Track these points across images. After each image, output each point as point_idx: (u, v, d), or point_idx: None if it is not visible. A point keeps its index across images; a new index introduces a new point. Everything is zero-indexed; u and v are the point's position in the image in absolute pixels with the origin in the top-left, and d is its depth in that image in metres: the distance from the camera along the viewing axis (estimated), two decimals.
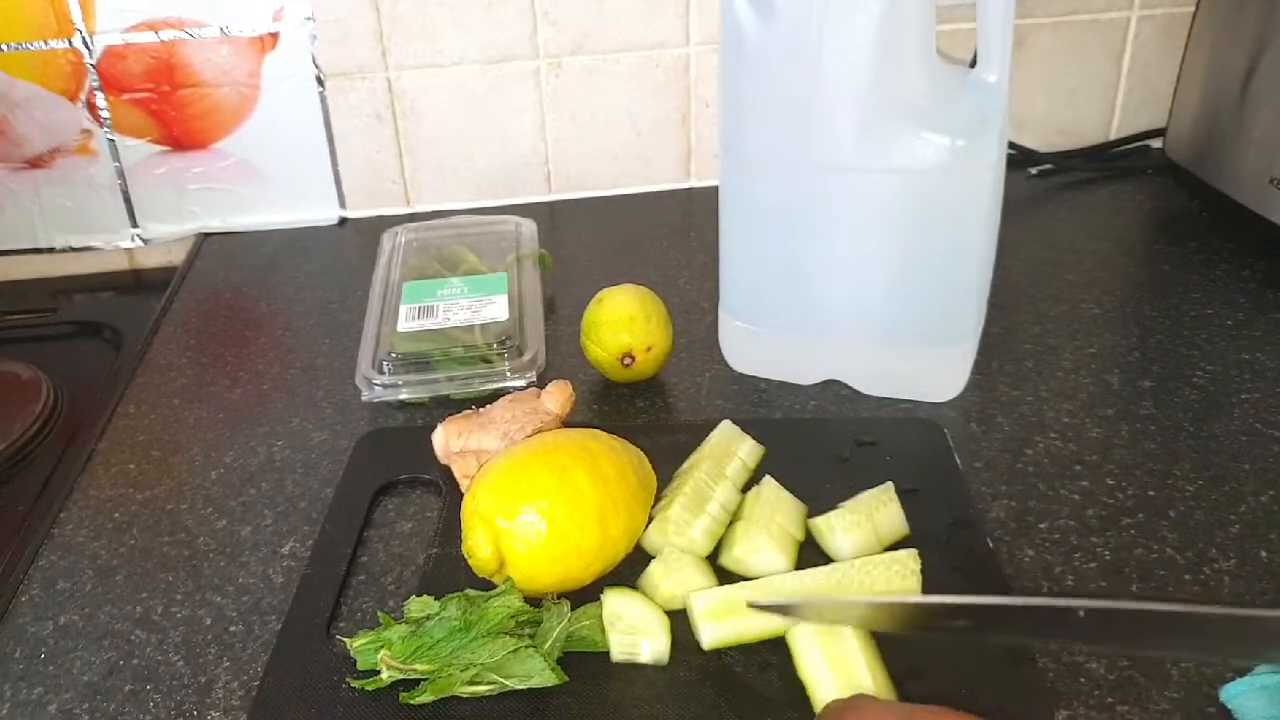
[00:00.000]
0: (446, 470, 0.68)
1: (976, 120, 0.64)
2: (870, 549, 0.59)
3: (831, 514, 0.61)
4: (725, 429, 0.68)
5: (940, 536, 0.61)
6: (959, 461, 0.67)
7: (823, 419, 0.73)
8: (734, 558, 0.59)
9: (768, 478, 0.63)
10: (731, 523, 0.62)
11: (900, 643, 0.53)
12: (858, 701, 0.45)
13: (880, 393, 0.73)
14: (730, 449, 0.66)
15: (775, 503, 0.61)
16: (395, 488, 0.69)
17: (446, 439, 0.67)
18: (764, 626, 0.55)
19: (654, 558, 0.59)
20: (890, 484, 0.62)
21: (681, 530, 0.60)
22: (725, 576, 0.59)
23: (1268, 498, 0.64)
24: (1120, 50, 1.01)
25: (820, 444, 0.69)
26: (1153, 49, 1.01)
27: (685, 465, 0.65)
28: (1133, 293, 0.85)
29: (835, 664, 0.52)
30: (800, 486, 0.63)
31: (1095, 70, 1.02)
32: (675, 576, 0.57)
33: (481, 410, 0.68)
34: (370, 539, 0.65)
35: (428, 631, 0.53)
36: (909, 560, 0.57)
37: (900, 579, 0.56)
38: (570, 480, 0.57)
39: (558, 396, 0.68)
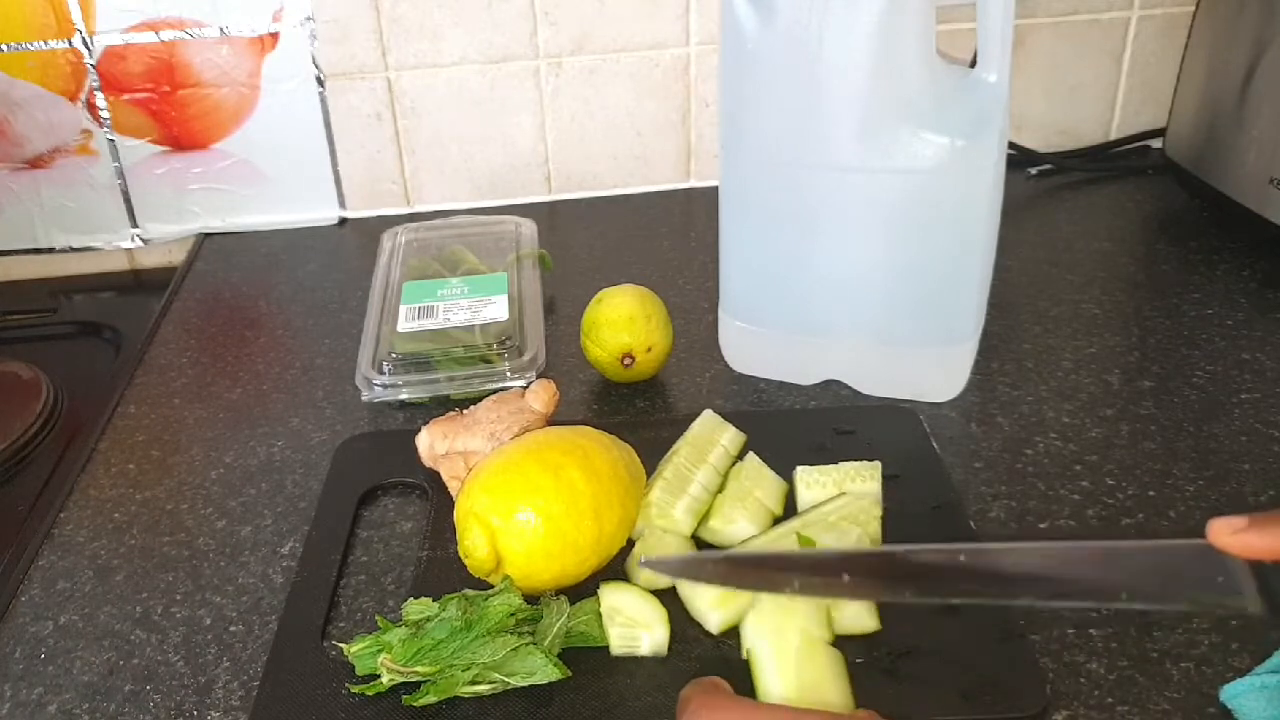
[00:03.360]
0: (431, 473, 0.67)
1: (976, 120, 0.64)
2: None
3: (806, 469, 0.63)
4: (706, 418, 0.68)
5: (923, 520, 0.61)
6: (936, 447, 0.68)
7: (802, 410, 0.73)
8: (710, 528, 0.61)
9: (751, 454, 0.64)
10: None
11: (893, 643, 0.54)
12: (710, 689, 0.46)
13: (880, 393, 0.73)
14: (713, 437, 0.66)
15: (755, 477, 0.63)
16: (379, 493, 0.68)
17: (431, 442, 0.67)
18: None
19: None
20: (879, 462, 0.63)
21: (664, 512, 0.61)
22: (704, 550, 0.60)
23: (1267, 498, 0.64)
24: (1120, 50, 1.01)
25: (800, 434, 0.69)
26: (1153, 49, 1.01)
27: (668, 455, 0.66)
28: (1133, 293, 0.85)
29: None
30: (781, 476, 0.64)
31: (1095, 70, 1.02)
32: (654, 555, 0.58)
33: (465, 411, 0.68)
34: (363, 542, 0.65)
35: (429, 633, 0.53)
36: (872, 506, 0.59)
37: (864, 525, 0.58)
38: (565, 477, 0.57)
39: (542, 395, 0.68)
